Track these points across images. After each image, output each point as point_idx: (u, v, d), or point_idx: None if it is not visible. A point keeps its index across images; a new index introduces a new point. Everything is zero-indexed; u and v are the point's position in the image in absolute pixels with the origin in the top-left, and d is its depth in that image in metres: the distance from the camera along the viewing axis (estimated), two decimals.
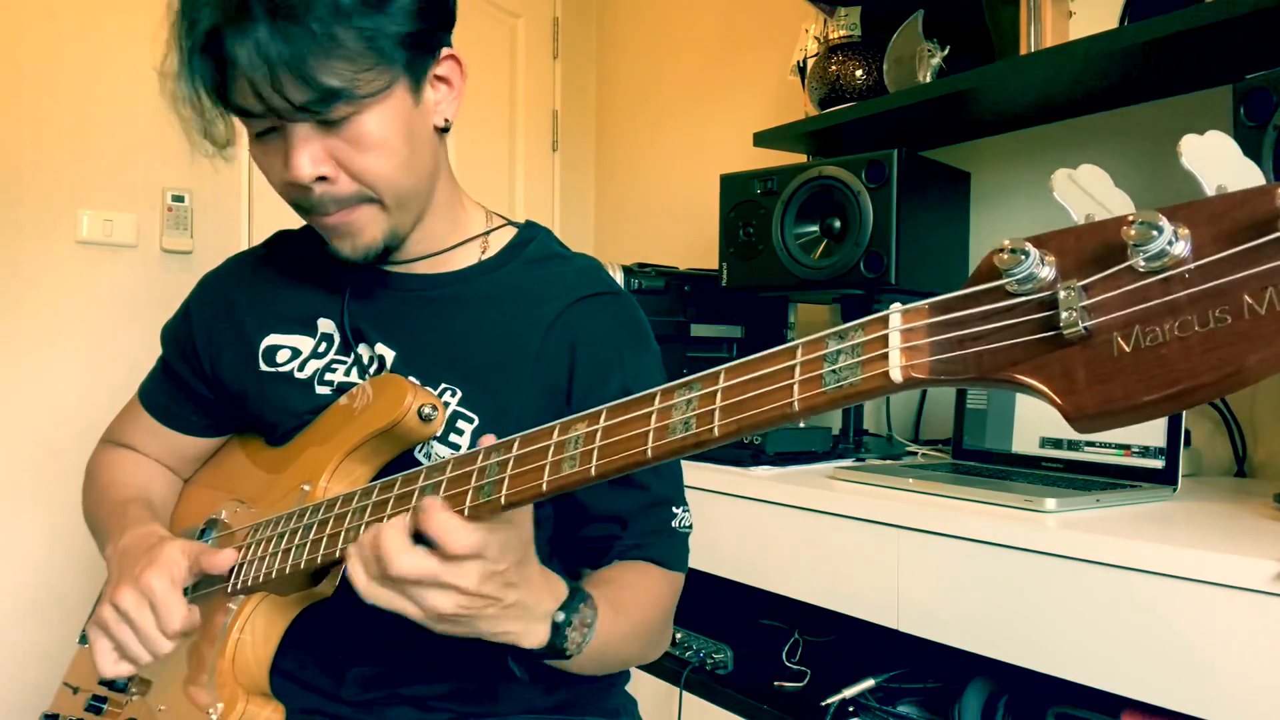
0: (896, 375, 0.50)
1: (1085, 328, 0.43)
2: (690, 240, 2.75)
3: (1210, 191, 0.40)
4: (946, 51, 1.86)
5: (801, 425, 1.76)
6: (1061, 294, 0.44)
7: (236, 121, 0.92)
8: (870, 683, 1.51)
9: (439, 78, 0.97)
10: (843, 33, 2.03)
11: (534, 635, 0.81)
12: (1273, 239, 0.38)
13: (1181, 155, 0.41)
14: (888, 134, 2.01)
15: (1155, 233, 0.40)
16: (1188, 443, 1.58)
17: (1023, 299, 0.46)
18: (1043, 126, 1.96)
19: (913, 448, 1.99)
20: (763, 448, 1.68)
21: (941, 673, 1.52)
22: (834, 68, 2.01)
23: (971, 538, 1.22)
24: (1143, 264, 0.41)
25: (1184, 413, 1.41)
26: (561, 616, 0.82)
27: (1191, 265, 0.40)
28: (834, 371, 0.52)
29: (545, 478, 0.70)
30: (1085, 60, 1.59)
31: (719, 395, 0.59)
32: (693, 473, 1.61)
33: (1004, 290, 0.46)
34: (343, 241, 0.96)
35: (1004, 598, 1.19)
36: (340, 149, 0.89)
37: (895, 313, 0.51)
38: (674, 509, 1.03)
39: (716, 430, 0.58)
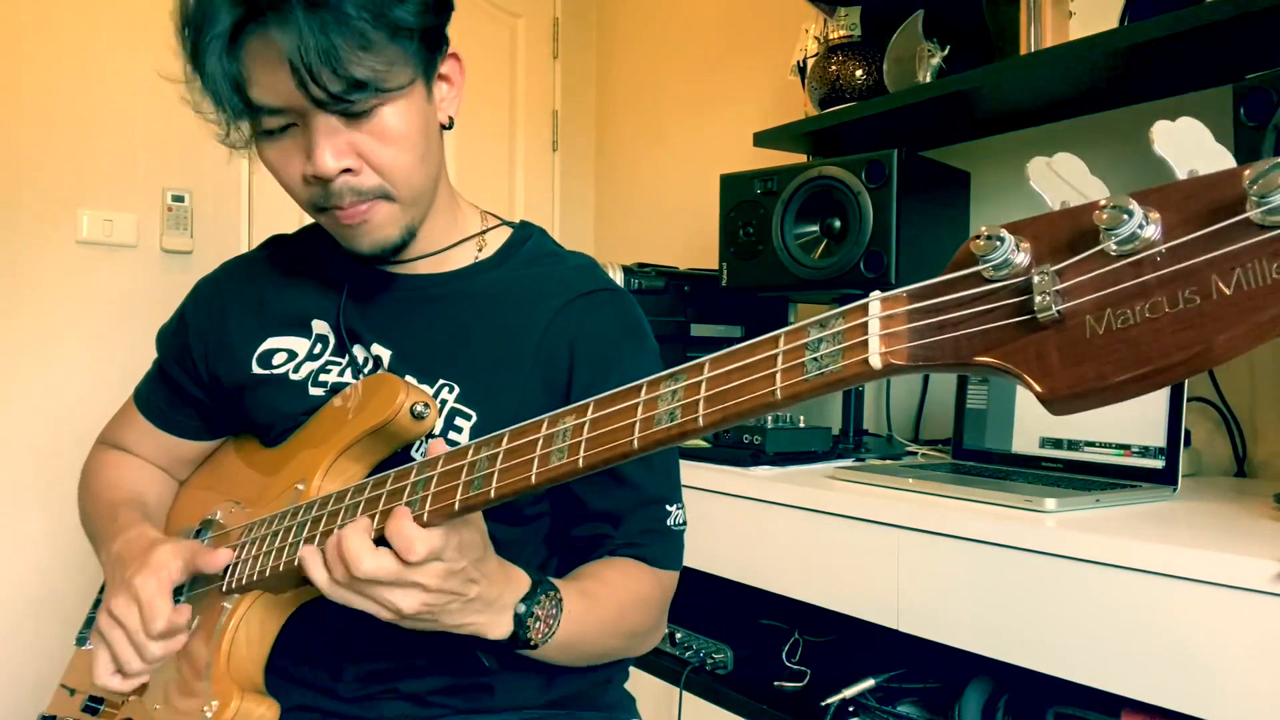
0: (876, 362, 0.50)
1: (1058, 311, 0.44)
2: (690, 240, 2.76)
3: (1182, 176, 0.40)
4: (946, 51, 1.86)
5: (802, 425, 1.76)
6: (1035, 279, 0.44)
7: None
8: (870, 683, 1.51)
9: (442, 75, 0.98)
10: (843, 33, 2.03)
11: (498, 627, 0.85)
12: (1239, 220, 0.38)
13: (1154, 141, 0.41)
14: (888, 134, 2.01)
15: (1126, 216, 0.40)
16: (1188, 443, 1.57)
17: (999, 285, 0.46)
18: (1043, 126, 1.96)
19: (913, 448, 1.99)
20: (763, 448, 1.68)
21: (941, 673, 1.52)
22: (834, 68, 2.02)
23: (971, 538, 1.22)
24: (1114, 248, 0.41)
25: (1184, 413, 1.41)
26: (523, 608, 0.86)
27: (1162, 248, 0.41)
28: (815, 360, 0.52)
29: (534, 470, 0.70)
30: (1085, 60, 1.59)
31: (704, 385, 0.59)
32: (693, 473, 1.61)
33: (980, 276, 0.47)
34: (360, 238, 0.96)
35: (1004, 598, 1.19)
36: (363, 142, 0.90)
37: (875, 300, 0.51)
38: (668, 507, 1.03)
39: (701, 420, 0.58)
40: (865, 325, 0.51)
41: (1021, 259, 0.45)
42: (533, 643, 0.87)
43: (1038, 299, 0.44)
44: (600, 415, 0.67)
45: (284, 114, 0.88)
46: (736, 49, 2.72)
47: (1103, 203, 0.41)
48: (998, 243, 0.44)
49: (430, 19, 0.90)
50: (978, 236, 0.45)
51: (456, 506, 0.75)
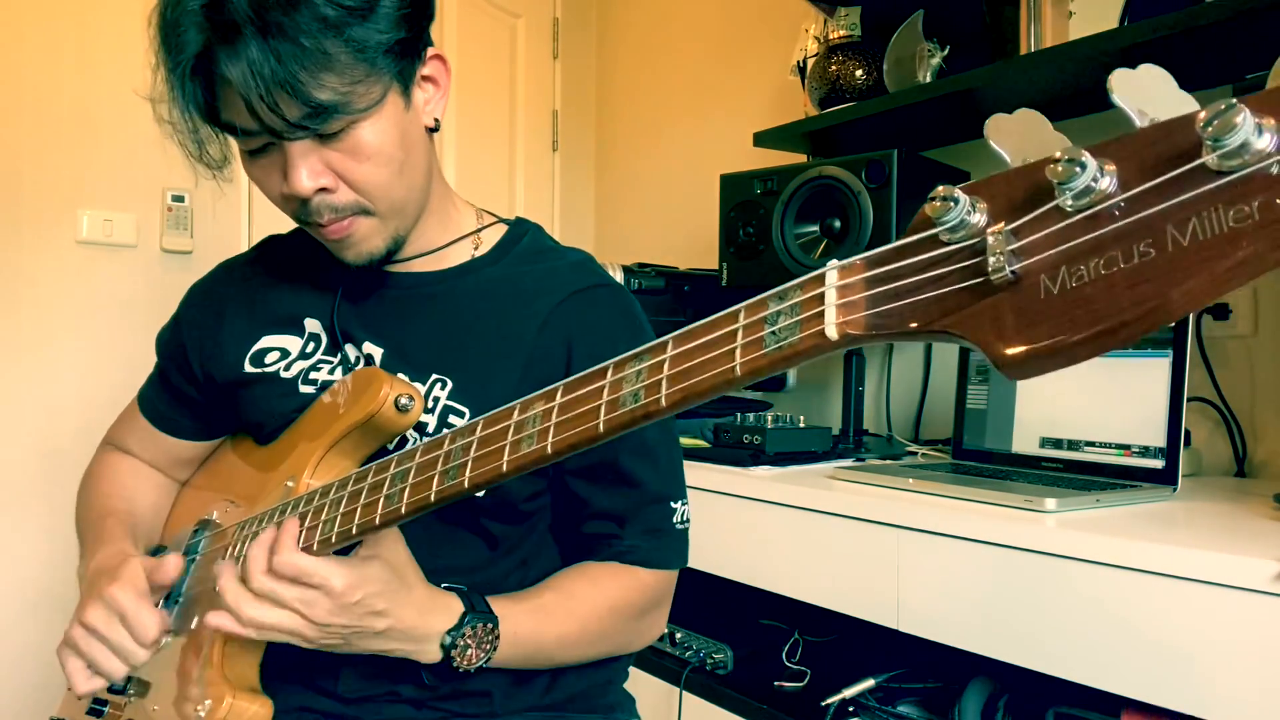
0: (832, 333, 0.48)
1: (1013, 272, 0.42)
2: (690, 240, 2.74)
3: (1141, 126, 0.39)
4: (946, 51, 1.85)
5: (802, 424, 1.75)
6: (990, 239, 0.42)
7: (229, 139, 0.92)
8: (870, 683, 1.50)
9: (425, 78, 0.96)
10: (843, 33, 2.03)
11: (427, 654, 0.89)
12: (1194, 166, 0.36)
13: (1112, 90, 0.39)
14: (888, 134, 2.00)
15: (1079, 169, 0.38)
16: (1188, 443, 1.56)
17: (955, 247, 0.44)
18: None
19: (913, 448, 1.98)
20: (763, 448, 1.67)
21: (941, 673, 1.51)
22: (834, 68, 2.01)
23: (971, 538, 1.22)
24: (1070, 203, 0.40)
25: (1184, 413, 1.39)
26: (449, 639, 0.89)
27: (1120, 199, 0.39)
28: (774, 333, 0.51)
29: (505, 458, 0.70)
30: (1085, 60, 1.58)
31: (666, 365, 0.58)
32: (693, 472, 1.60)
33: (937, 240, 0.45)
34: (345, 251, 0.96)
35: (1004, 598, 1.18)
36: (338, 160, 0.89)
37: (832, 269, 0.50)
38: (672, 504, 1.04)
39: (664, 400, 0.57)
40: (822, 296, 0.50)
41: (978, 219, 0.43)
42: (462, 669, 0.90)
43: (991, 260, 0.42)
44: (568, 399, 0.66)
45: (259, 135, 0.87)
46: (736, 49, 2.71)
47: (1056, 156, 0.40)
48: (952, 204, 0.43)
49: (402, 31, 0.87)
50: (933, 198, 0.43)
51: (432, 498, 0.75)
